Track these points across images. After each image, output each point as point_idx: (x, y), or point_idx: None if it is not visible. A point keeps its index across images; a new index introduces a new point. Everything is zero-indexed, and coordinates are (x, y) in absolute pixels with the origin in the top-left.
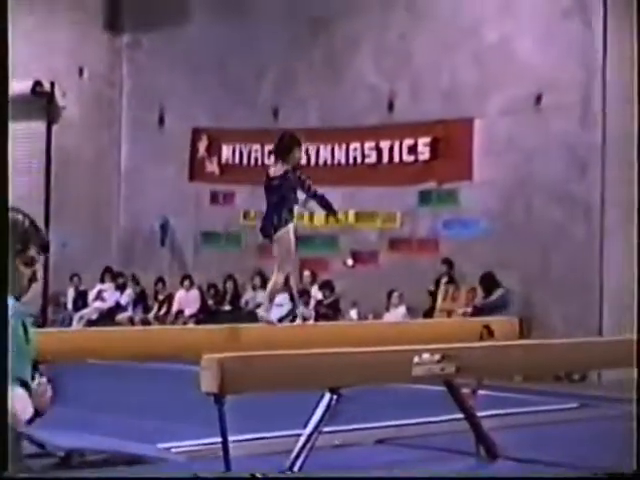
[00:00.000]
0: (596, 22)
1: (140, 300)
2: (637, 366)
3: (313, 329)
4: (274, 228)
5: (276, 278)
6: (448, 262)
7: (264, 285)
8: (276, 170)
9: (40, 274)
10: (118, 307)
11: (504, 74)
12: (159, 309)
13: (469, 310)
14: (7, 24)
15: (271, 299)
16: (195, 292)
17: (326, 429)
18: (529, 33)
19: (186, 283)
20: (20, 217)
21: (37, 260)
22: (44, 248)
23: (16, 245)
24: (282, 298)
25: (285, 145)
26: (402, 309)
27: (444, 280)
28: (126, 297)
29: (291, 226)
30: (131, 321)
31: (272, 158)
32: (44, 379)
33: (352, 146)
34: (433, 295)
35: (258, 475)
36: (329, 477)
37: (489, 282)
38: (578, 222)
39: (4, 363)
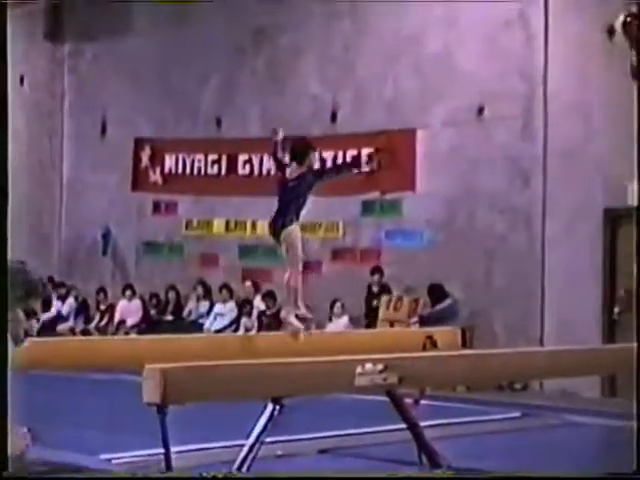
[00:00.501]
0: (538, 34)
1: (82, 310)
2: (637, 367)
3: (256, 339)
4: (282, 227)
5: (292, 278)
6: (379, 271)
7: (207, 295)
8: (292, 172)
9: (35, 330)
10: (59, 317)
11: (447, 85)
12: (101, 319)
13: (416, 319)
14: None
15: (295, 301)
16: (137, 302)
17: (269, 439)
18: (471, 44)
19: (128, 293)
20: (29, 269)
21: (37, 315)
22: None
23: (19, 291)
24: (223, 307)
25: (302, 148)
26: (345, 319)
27: (376, 289)
28: (67, 307)
29: (297, 226)
30: (72, 331)
31: (287, 160)
32: (25, 429)
33: None
34: (368, 303)
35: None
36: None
37: (437, 292)
38: (520, 232)
39: (4, 363)
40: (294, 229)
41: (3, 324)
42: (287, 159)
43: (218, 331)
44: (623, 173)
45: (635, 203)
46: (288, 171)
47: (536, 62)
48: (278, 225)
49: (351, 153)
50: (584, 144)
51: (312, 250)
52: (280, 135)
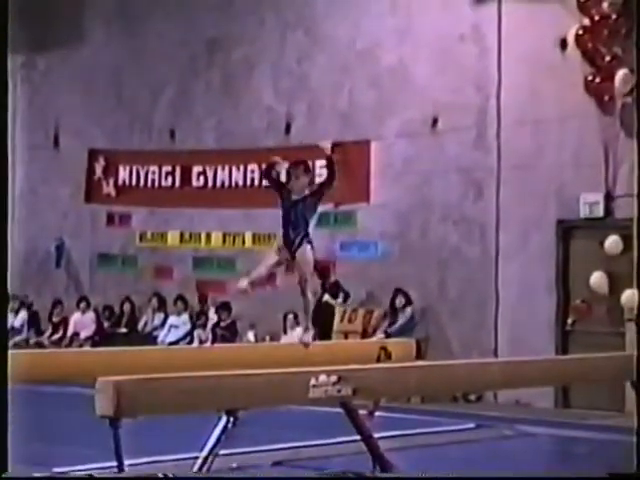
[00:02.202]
0: (491, 47)
1: (33, 323)
2: (637, 368)
3: (210, 351)
4: (298, 247)
5: (306, 295)
6: (324, 276)
7: (162, 307)
8: (292, 192)
9: None
10: (12, 330)
11: (401, 97)
12: (54, 332)
13: (382, 336)
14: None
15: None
16: (91, 314)
17: (223, 451)
18: (425, 57)
19: (82, 305)
20: None
21: None
22: None
23: None
24: (178, 319)
25: (299, 168)
26: (298, 330)
27: (324, 298)
28: (20, 320)
29: (308, 245)
30: (26, 343)
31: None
32: None
33: (250, 167)
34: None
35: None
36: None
37: (403, 297)
38: (474, 243)
39: (4, 364)
40: (308, 249)
41: (3, 325)
42: (284, 179)
43: (172, 343)
44: (576, 185)
45: (587, 215)
46: (287, 192)
47: (490, 75)
48: (294, 246)
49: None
50: (537, 156)
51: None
52: (284, 165)
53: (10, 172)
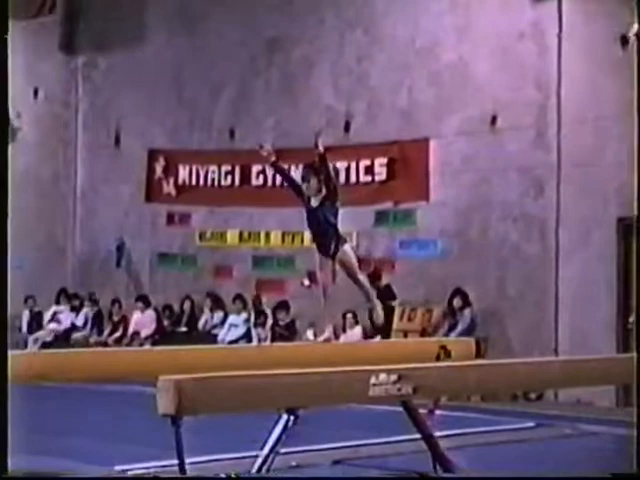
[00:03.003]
0: (551, 44)
1: (95, 322)
2: (637, 375)
3: (270, 350)
4: (336, 249)
5: (363, 284)
6: (377, 276)
7: (218, 306)
8: (313, 197)
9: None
10: (73, 329)
11: (460, 95)
12: (113, 330)
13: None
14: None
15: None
16: (151, 313)
17: (283, 450)
18: (485, 54)
19: (142, 304)
20: None
21: None
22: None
23: None
24: (237, 318)
25: (316, 171)
26: (358, 329)
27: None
28: (82, 318)
29: (348, 245)
30: (86, 341)
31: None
32: None
33: None
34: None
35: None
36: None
37: (461, 298)
38: (533, 241)
39: (4, 364)
40: (347, 248)
41: (3, 324)
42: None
43: (232, 342)
44: (637, 182)
45: None
46: (308, 197)
47: (550, 72)
48: (331, 250)
49: (364, 163)
50: (598, 154)
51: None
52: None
53: (71, 171)
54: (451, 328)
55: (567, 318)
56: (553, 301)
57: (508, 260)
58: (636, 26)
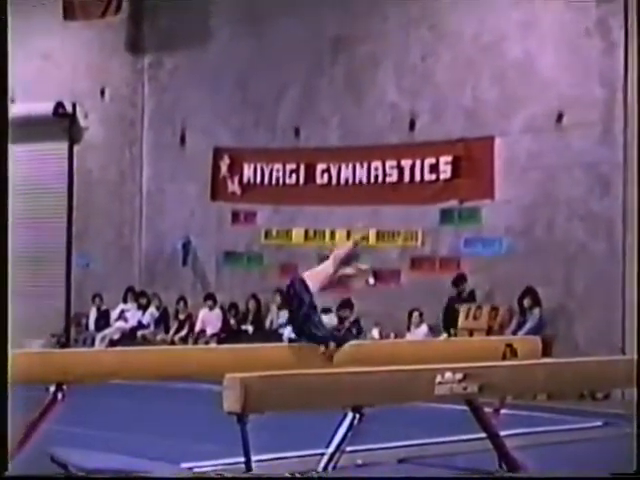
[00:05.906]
0: (617, 41)
1: (162, 320)
2: (637, 377)
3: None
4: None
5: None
6: (463, 278)
7: (286, 304)
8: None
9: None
10: (140, 327)
11: (526, 92)
12: (179, 328)
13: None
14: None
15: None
16: (217, 312)
17: (349, 448)
18: (551, 51)
19: (209, 302)
20: None
21: None
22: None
23: None
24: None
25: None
26: (424, 328)
27: (464, 296)
28: (148, 316)
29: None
30: (153, 341)
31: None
32: None
33: (373, 165)
34: (448, 312)
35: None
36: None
37: (531, 297)
38: (600, 240)
39: (4, 364)
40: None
41: (3, 323)
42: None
43: (293, 340)
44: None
45: None
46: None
47: (616, 69)
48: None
49: (429, 161)
50: None
51: (391, 259)
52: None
53: (137, 170)
54: (519, 326)
55: (634, 316)
56: (620, 300)
57: (575, 258)
58: None
